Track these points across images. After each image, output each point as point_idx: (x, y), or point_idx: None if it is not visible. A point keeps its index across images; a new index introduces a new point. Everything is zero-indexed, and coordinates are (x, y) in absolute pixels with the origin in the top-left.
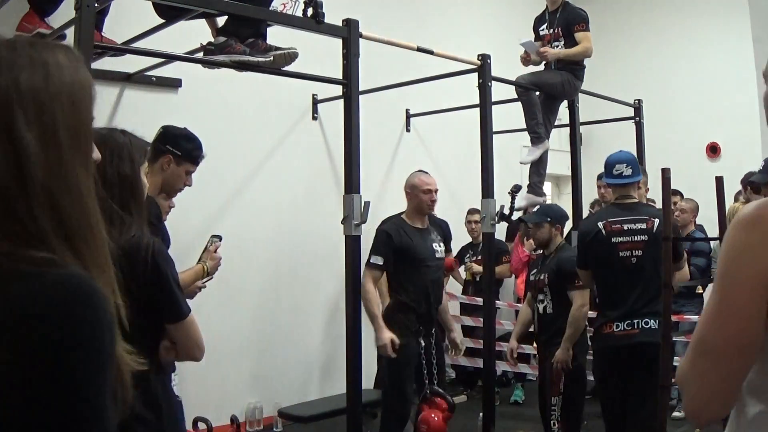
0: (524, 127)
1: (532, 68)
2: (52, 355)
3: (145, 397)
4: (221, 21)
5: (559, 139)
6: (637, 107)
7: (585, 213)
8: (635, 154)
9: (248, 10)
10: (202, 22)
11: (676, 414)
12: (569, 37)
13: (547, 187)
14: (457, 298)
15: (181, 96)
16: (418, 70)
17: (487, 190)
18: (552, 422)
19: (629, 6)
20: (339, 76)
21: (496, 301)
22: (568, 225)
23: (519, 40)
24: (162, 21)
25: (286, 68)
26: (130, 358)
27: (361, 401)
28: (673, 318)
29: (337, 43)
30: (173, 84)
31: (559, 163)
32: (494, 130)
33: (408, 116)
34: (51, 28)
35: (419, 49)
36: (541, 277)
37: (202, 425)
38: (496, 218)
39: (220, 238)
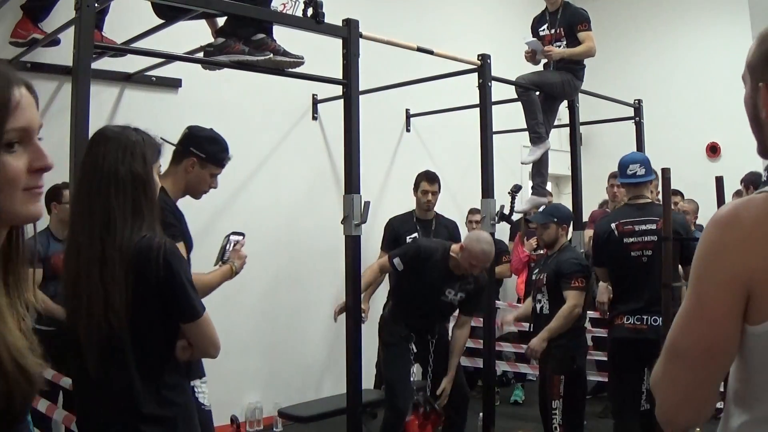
0: (524, 127)
1: (532, 68)
2: None
3: (158, 397)
4: (221, 21)
5: (559, 139)
6: (637, 107)
7: (585, 213)
8: None
9: (248, 10)
10: (202, 22)
11: None
12: (571, 38)
13: (547, 187)
14: None
15: (181, 96)
16: (418, 70)
17: (487, 190)
18: (554, 426)
19: (629, 6)
20: (339, 76)
21: (496, 301)
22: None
23: (523, 39)
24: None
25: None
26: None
27: (361, 401)
28: None
29: (337, 43)
30: (173, 84)
31: (559, 163)
32: (494, 130)
33: (408, 116)
34: (45, 33)
35: (419, 49)
36: (541, 277)
37: None
38: (496, 218)
39: (242, 234)
